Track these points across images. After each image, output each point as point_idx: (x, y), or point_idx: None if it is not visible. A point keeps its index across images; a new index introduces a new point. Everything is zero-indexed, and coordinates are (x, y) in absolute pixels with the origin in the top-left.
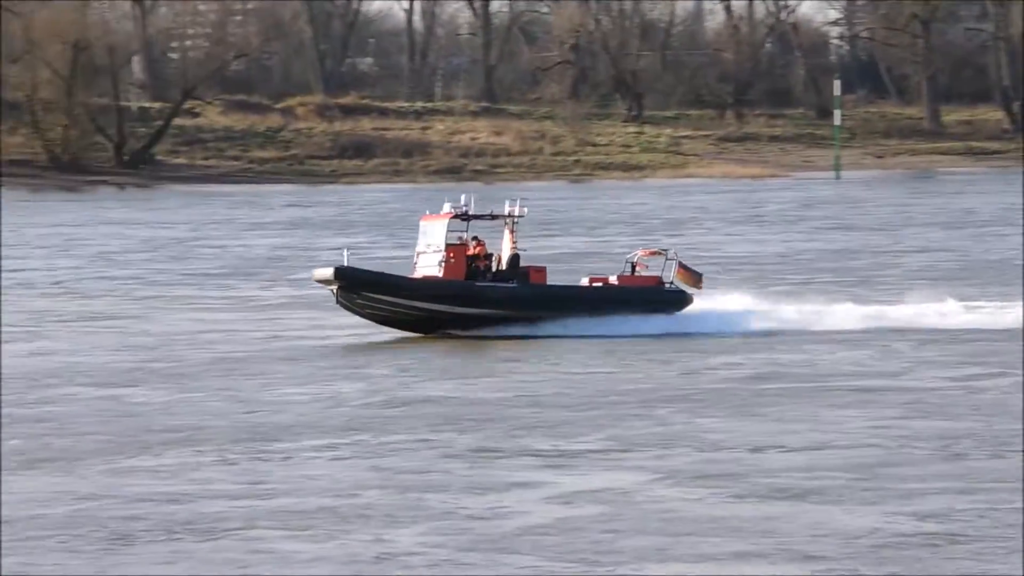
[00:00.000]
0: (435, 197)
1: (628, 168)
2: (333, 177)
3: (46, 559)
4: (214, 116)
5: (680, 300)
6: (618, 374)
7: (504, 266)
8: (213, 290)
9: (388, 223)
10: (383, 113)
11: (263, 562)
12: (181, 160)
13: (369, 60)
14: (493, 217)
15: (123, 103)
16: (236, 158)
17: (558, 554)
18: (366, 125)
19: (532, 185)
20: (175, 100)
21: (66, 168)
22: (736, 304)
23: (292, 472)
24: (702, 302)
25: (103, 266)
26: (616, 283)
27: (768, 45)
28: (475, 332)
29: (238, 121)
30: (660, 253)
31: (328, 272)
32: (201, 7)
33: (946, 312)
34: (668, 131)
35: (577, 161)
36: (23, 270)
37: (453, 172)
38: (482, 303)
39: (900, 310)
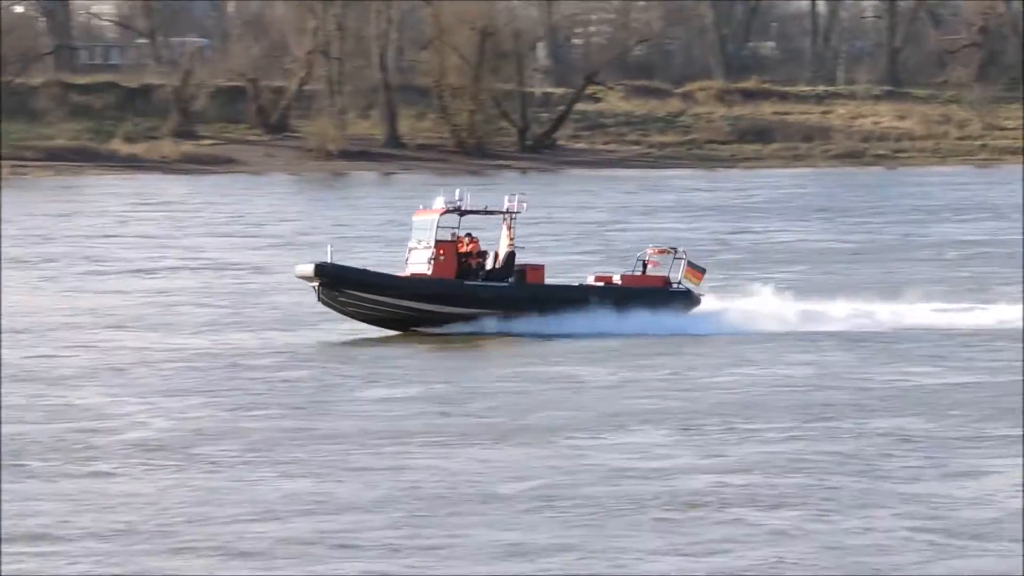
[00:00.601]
0: (837, 182)
1: None
2: (732, 162)
3: (543, 532)
4: (615, 101)
5: (687, 300)
6: None
7: (500, 264)
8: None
9: (800, 208)
10: (783, 97)
11: (744, 538)
12: (582, 145)
13: (771, 44)
14: (488, 212)
15: (527, 89)
16: (636, 143)
17: None
18: (766, 109)
19: (936, 170)
20: (577, 85)
21: (471, 152)
22: None
23: (751, 450)
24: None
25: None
26: (619, 283)
27: None
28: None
29: (638, 106)
30: (669, 252)
31: (309, 268)
32: None
33: None
34: None
35: (983, 146)
36: None
37: (854, 157)
38: (470, 303)
39: None
